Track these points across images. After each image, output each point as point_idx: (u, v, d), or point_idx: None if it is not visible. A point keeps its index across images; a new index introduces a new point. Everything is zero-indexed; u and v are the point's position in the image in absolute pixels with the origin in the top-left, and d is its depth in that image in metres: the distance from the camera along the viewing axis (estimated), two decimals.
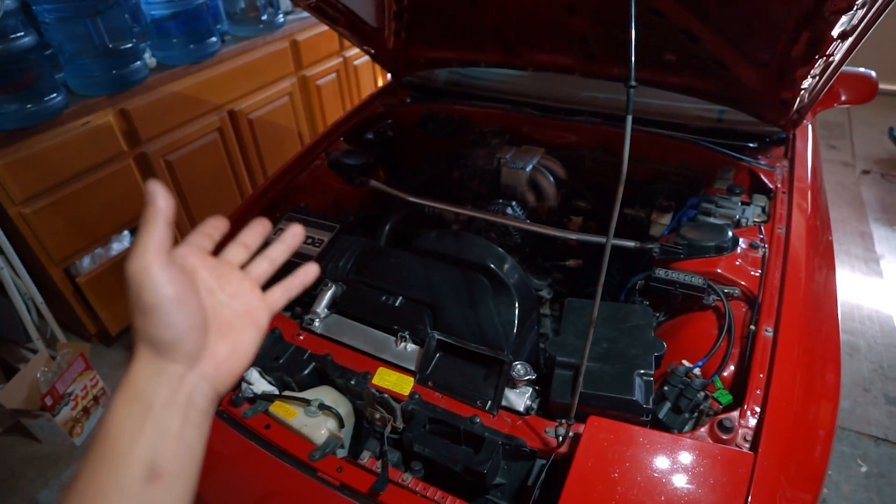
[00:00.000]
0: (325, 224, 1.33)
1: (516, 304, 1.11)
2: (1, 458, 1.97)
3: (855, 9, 0.88)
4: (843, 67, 1.15)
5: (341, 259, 1.21)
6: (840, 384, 1.02)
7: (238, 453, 0.94)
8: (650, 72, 1.44)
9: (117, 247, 2.27)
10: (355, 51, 3.20)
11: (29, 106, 1.83)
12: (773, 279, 1.04)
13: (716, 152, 1.45)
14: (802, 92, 1.22)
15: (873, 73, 1.84)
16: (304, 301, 1.18)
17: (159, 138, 2.29)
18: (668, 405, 0.88)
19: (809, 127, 1.57)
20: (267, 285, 0.52)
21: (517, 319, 1.09)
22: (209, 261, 0.47)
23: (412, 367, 1.01)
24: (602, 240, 0.72)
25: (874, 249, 2.79)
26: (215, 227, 0.50)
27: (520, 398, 0.93)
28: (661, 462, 0.77)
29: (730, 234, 1.13)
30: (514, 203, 1.46)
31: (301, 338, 1.10)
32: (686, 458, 0.77)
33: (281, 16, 2.73)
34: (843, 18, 0.92)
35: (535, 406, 0.94)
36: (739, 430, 0.80)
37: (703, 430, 0.82)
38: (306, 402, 0.94)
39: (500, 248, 1.19)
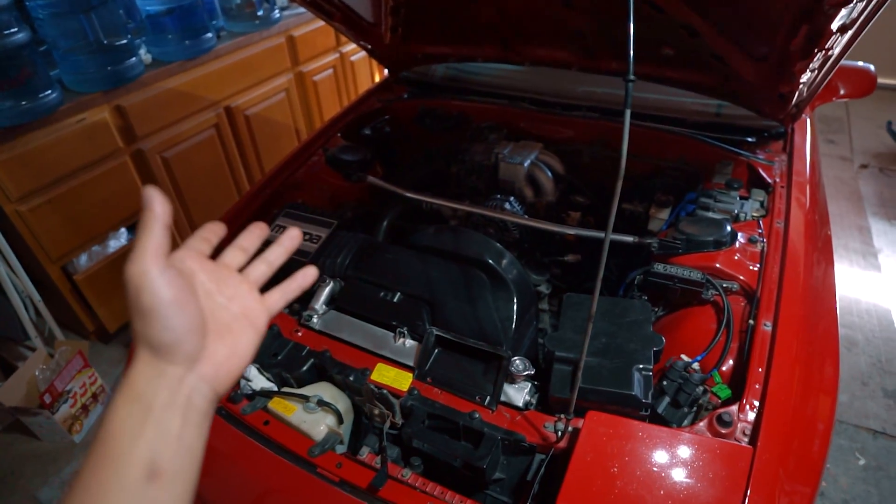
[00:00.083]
0: (323, 220, 1.33)
1: (515, 300, 1.11)
2: (0, 456, 1.97)
3: (854, 2, 0.88)
4: (842, 61, 1.15)
5: (339, 255, 1.21)
6: (838, 378, 1.02)
7: (237, 450, 0.94)
8: (648, 66, 1.43)
9: (114, 244, 2.26)
10: (352, 46, 3.19)
11: (23, 103, 1.81)
12: (772, 274, 1.04)
13: (714, 147, 1.45)
14: (801, 86, 1.21)
15: (872, 67, 1.83)
16: (303, 297, 1.18)
17: (155, 135, 2.28)
18: (666, 400, 0.88)
19: (808, 121, 1.57)
20: (265, 287, 0.53)
21: (516, 315, 1.09)
22: (207, 264, 0.48)
23: (411, 363, 1.01)
24: (600, 235, 0.72)
25: (872, 244, 2.80)
26: (213, 231, 0.51)
27: (519, 393, 0.93)
28: (661, 456, 0.77)
29: (728, 228, 1.12)
30: (512, 198, 1.45)
31: (299, 334, 1.10)
32: (685, 452, 0.77)
33: (277, 11, 2.71)
34: (843, 12, 0.91)
35: (534, 401, 0.94)
36: (738, 425, 0.81)
37: (701, 424, 0.82)
38: (305, 398, 0.94)
39: (498, 244, 1.19)
